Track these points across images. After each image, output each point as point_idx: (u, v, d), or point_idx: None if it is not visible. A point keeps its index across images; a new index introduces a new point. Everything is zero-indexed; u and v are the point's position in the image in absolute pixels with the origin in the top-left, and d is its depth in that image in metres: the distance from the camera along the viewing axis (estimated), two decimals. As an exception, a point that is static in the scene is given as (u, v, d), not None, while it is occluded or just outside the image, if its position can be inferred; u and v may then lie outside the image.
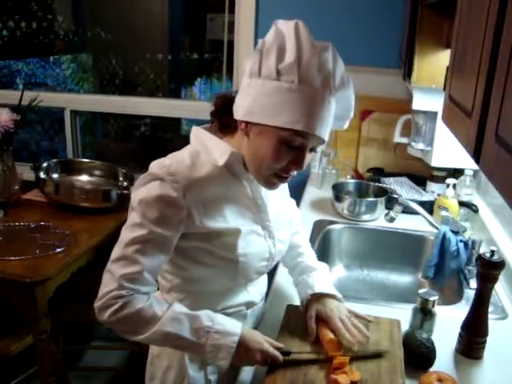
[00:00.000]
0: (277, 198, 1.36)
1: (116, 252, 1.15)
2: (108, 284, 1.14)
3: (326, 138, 1.13)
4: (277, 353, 1.17)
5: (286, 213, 1.41)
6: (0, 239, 2.17)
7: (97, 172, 2.84)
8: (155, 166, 1.16)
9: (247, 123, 1.13)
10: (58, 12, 4.37)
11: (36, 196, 2.62)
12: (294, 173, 1.16)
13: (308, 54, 1.07)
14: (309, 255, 1.50)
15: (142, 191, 1.15)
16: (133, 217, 1.15)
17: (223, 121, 1.23)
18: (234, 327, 1.18)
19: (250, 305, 1.38)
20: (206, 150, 1.19)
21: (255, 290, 1.39)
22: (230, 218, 1.20)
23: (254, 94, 1.09)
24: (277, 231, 1.31)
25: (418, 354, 1.25)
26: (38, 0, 4.24)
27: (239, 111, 1.14)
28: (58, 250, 2.09)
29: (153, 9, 4.27)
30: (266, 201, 1.29)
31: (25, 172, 2.69)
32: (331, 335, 1.25)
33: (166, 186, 1.12)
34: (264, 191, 1.28)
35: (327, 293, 1.35)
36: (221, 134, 1.23)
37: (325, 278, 1.42)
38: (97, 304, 1.15)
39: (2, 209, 2.41)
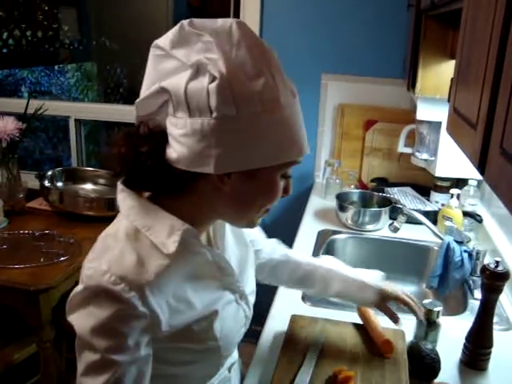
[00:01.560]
0: (232, 243, 1.14)
1: None
2: None
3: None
4: None
5: (248, 255, 1.19)
6: (4, 247, 2.18)
7: (101, 181, 2.85)
8: (92, 275, 0.87)
9: (229, 174, 0.88)
10: (64, 21, 4.41)
11: (40, 204, 2.62)
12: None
13: (274, 63, 0.87)
14: (306, 258, 1.40)
15: (88, 318, 0.87)
16: (88, 357, 0.87)
17: (169, 184, 0.92)
18: None
19: (232, 367, 1.21)
20: (147, 227, 0.90)
21: (235, 351, 1.22)
22: (197, 303, 0.96)
23: (238, 139, 0.84)
24: (246, 285, 1.12)
25: (423, 365, 1.25)
26: (44, 9, 4.27)
27: (215, 164, 0.84)
28: (63, 258, 2.09)
29: (157, 18, 4.29)
30: (228, 256, 1.08)
31: (29, 180, 2.70)
32: (385, 336, 1.29)
33: (116, 299, 0.85)
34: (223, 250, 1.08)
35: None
36: (153, 201, 0.95)
37: (351, 269, 1.37)
38: None
39: (7, 217, 2.42)
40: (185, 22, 0.86)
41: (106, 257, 0.89)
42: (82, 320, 0.88)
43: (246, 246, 1.19)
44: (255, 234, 1.29)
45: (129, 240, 0.90)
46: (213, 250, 1.01)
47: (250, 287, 1.14)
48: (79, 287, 0.89)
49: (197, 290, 0.97)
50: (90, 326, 0.86)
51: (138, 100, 0.91)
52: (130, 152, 0.90)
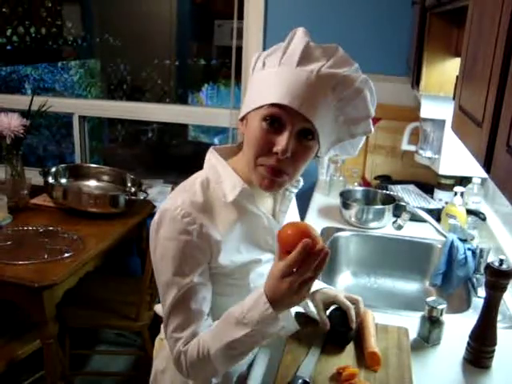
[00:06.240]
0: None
1: (165, 317, 1.10)
2: (172, 349, 1.10)
3: (312, 118, 1.02)
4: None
5: None
6: (9, 244, 2.18)
7: (105, 177, 2.86)
8: (168, 206, 1.08)
9: (242, 121, 1.12)
10: (67, 18, 4.40)
11: (44, 201, 2.63)
12: (288, 169, 1.05)
13: (296, 43, 1.08)
14: None
15: (160, 240, 1.08)
16: (159, 278, 1.10)
17: None
18: (257, 295, 1.03)
19: None
20: (218, 180, 1.13)
21: None
22: (245, 253, 1.15)
23: (247, 90, 1.12)
24: None
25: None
26: (48, 6, 4.27)
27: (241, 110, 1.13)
28: (66, 254, 2.09)
29: (161, 15, 4.29)
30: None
31: (33, 177, 2.71)
32: (374, 348, 1.25)
33: (182, 229, 1.05)
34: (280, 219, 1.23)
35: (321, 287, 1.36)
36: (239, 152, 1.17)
37: None
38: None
39: (11, 213, 2.42)
40: None
41: (182, 195, 1.10)
42: (153, 247, 1.10)
43: None
44: None
45: (202, 187, 1.11)
46: (270, 219, 1.18)
47: None
48: (156, 217, 1.10)
49: (249, 245, 1.16)
50: (160, 253, 1.08)
51: None
52: None
